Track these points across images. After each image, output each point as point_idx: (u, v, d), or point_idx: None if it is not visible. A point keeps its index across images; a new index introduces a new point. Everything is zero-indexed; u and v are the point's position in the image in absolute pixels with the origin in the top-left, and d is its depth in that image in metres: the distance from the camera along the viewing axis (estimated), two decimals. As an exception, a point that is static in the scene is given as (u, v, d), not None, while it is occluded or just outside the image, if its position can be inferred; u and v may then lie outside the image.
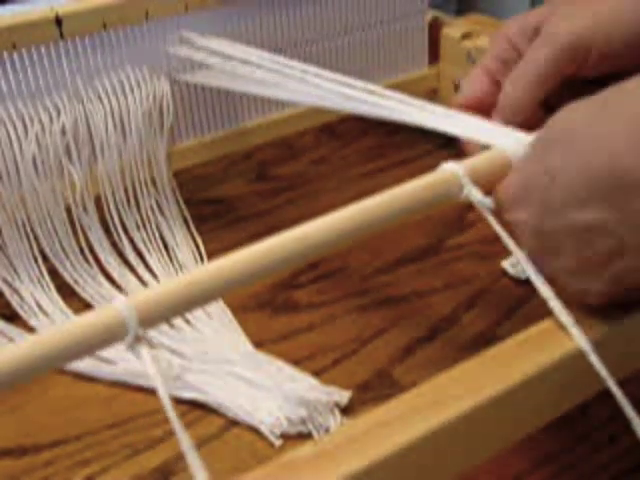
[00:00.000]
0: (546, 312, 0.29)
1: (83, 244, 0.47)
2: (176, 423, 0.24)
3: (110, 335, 0.25)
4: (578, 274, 0.29)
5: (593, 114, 0.27)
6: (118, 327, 0.25)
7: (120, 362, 0.41)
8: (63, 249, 0.47)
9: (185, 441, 0.24)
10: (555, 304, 0.29)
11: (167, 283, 0.27)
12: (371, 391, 0.39)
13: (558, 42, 0.35)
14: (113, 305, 0.25)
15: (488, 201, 0.30)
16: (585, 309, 0.30)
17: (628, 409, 0.29)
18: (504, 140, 0.32)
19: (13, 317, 0.44)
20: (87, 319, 0.25)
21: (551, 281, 0.29)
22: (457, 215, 0.52)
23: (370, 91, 0.38)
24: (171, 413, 0.24)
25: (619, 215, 0.26)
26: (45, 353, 0.24)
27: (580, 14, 0.35)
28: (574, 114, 0.28)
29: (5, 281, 0.45)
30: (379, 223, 0.30)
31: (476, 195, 0.29)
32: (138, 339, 0.25)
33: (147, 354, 0.25)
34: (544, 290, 0.29)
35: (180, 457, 0.36)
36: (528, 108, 0.36)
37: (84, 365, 0.41)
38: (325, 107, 0.40)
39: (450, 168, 0.30)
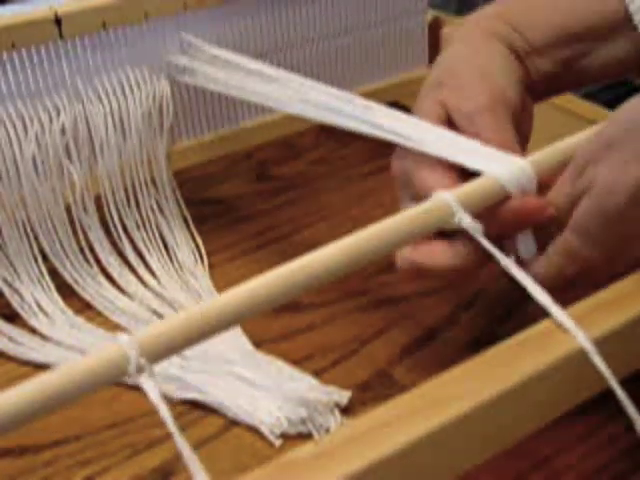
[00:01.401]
0: (546, 312, 0.29)
1: (83, 244, 0.47)
2: (185, 449, 0.24)
3: (115, 369, 0.26)
4: None
5: None
6: (121, 360, 0.26)
7: (120, 362, 0.41)
8: (63, 249, 0.47)
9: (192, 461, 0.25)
10: (555, 310, 0.29)
11: (168, 320, 0.28)
12: (371, 391, 0.39)
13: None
14: (117, 342, 0.27)
15: (478, 226, 0.31)
16: (584, 309, 0.30)
17: (630, 408, 0.29)
18: (497, 166, 0.33)
19: (13, 317, 0.44)
20: (93, 357, 0.26)
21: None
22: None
23: (364, 106, 0.39)
24: (179, 439, 0.25)
25: None
26: (51, 394, 0.26)
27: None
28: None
29: (5, 281, 0.45)
30: (375, 253, 0.31)
31: (467, 221, 0.31)
32: (140, 370, 0.26)
33: (151, 386, 0.26)
34: (541, 296, 0.29)
35: (180, 457, 0.36)
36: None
37: (84, 365, 0.41)
38: (317, 118, 0.41)
39: (442, 197, 0.31)
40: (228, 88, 0.47)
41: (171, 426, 0.26)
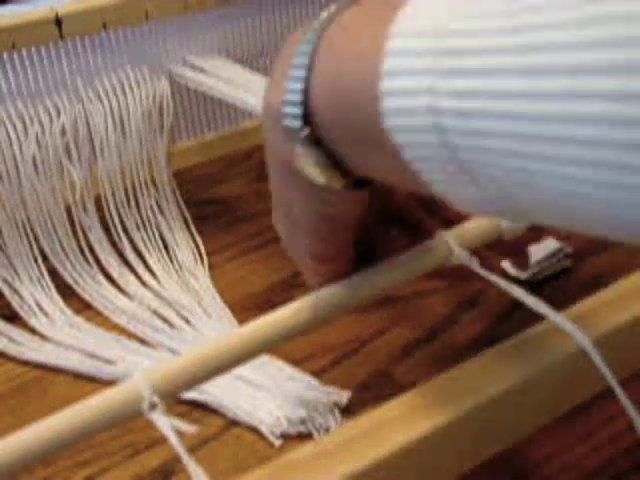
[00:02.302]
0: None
1: (83, 244, 0.47)
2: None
3: (128, 406, 0.27)
4: None
5: None
6: (135, 397, 0.27)
7: (121, 362, 0.41)
8: (63, 249, 0.47)
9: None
10: (554, 316, 0.29)
11: (181, 357, 0.29)
12: (371, 391, 0.39)
13: None
14: (130, 380, 0.28)
15: (475, 260, 0.33)
16: (584, 309, 0.30)
17: (630, 408, 0.29)
18: None
19: (13, 317, 0.44)
20: (106, 395, 0.28)
21: None
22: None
23: None
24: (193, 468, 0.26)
25: None
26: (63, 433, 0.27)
27: None
28: None
29: (5, 281, 0.45)
30: (374, 295, 0.33)
31: (464, 257, 0.33)
32: (153, 406, 0.27)
33: (165, 423, 0.27)
34: (537, 305, 0.30)
35: (180, 457, 0.36)
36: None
37: (84, 365, 0.41)
38: None
39: (440, 236, 0.34)
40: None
41: (186, 459, 0.26)
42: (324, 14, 0.27)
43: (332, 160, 0.28)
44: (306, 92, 0.27)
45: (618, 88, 0.18)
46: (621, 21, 0.18)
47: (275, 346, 0.31)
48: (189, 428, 0.28)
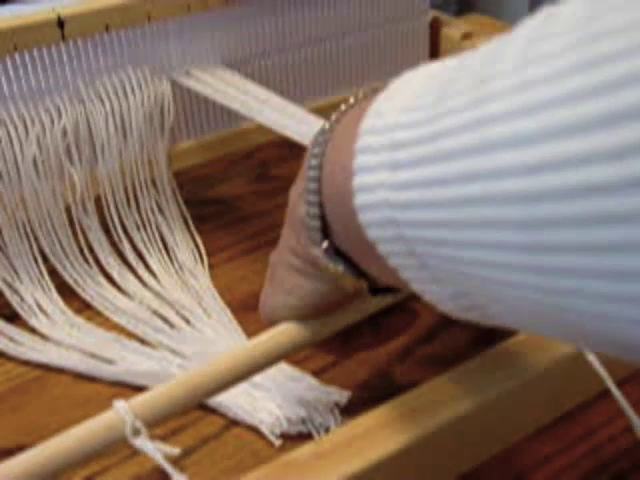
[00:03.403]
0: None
1: (83, 244, 0.47)
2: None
3: (111, 433, 0.28)
4: None
5: None
6: (117, 424, 0.28)
7: (120, 362, 0.41)
8: (63, 249, 0.47)
9: None
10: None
11: (162, 386, 0.30)
12: (371, 391, 0.39)
13: None
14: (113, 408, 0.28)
15: None
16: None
17: (627, 409, 0.29)
18: None
19: (13, 317, 0.44)
20: (89, 424, 0.28)
21: None
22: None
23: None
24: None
25: None
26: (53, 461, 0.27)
27: None
28: None
29: (5, 281, 0.45)
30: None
31: None
32: (136, 432, 0.28)
33: (150, 447, 0.28)
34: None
35: (179, 457, 0.36)
36: None
37: (84, 365, 0.41)
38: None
39: None
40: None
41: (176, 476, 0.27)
42: (333, 117, 0.28)
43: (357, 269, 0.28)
44: (322, 205, 0.27)
45: (528, 190, 0.18)
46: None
47: (260, 371, 0.31)
48: (173, 450, 0.28)
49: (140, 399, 0.29)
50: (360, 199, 0.24)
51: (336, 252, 0.28)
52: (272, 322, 0.33)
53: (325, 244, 0.28)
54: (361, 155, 0.24)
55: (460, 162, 0.20)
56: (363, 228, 0.24)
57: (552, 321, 0.20)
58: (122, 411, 0.28)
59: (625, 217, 0.16)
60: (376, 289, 0.30)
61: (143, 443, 0.28)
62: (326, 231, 0.28)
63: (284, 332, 0.31)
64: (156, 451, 0.28)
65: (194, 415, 0.38)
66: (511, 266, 0.19)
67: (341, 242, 0.28)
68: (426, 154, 0.21)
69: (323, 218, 0.28)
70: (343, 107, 0.29)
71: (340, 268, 0.28)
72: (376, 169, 0.23)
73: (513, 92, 0.18)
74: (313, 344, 0.33)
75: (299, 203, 0.29)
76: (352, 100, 0.29)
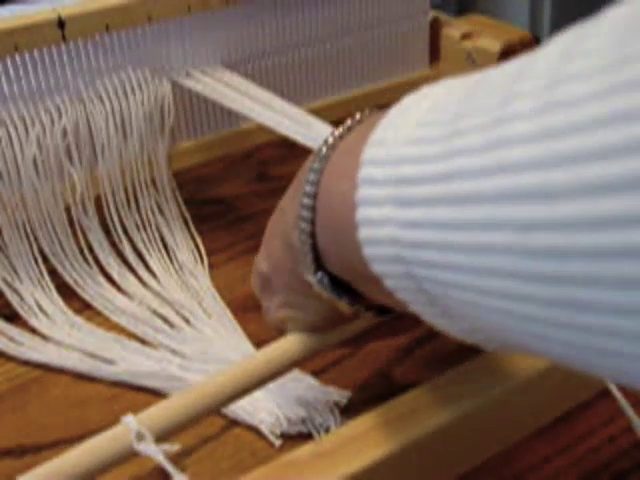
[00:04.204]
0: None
1: (83, 245, 0.47)
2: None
3: (117, 441, 0.28)
4: None
5: None
6: (122, 431, 0.28)
7: (121, 362, 0.41)
8: (63, 250, 0.47)
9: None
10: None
11: (167, 400, 0.30)
12: (371, 391, 0.39)
13: None
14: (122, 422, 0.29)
15: None
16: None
17: (627, 409, 0.29)
18: None
19: (13, 317, 0.44)
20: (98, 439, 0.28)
21: None
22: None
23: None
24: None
25: None
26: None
27: None
28: None
29: (5, 281, 0.45)
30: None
31: None
32: (140, 437, 0.28)
33: (154, 450, 0.28)
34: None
35: (180, 457, 0.36)
36: None
37: (84, 365, 0.41)
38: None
39: None
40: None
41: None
42: (329, 139, 0.27)
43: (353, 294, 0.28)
44: (313, 235, 0.27)
45: (557, 245, 0.16)
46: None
47: (262, 386, 0.31)
48: (172, 447, 0.29)
49: (147, 412, 0.29)
50: (364, 233, 0.23)
51: (332, 278, 0.28)
52: (280, 332, 0.33)
53: (319, 275, 0.27)
54: (364, 187, 0.23)
55: (477, 209, 0.18)
56: (367, 262, 0.23)
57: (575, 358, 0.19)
58: (127, 421, 0.28)
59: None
60: (382, 310, 0.29)
61: (146, 446, 0.28)
62: (319, 260, 0.27)
63: (293, 341, 0.31)
64: (158, 452, 0.28)
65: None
66: (533, 318, 0.18)
67: (338, 271, 0.27)
68: (438, 195, 0.20)
69: (315, 247, 0.27)
70: (339, 131, 0.27)
71: (335, 296, 0.28)
72: (381, 203, 0.22)
73: (534, 139, 0.17)
74: (323, 352, 0.33)
75: (293, 230, 0.28)
76: (349, 123, 0.27)
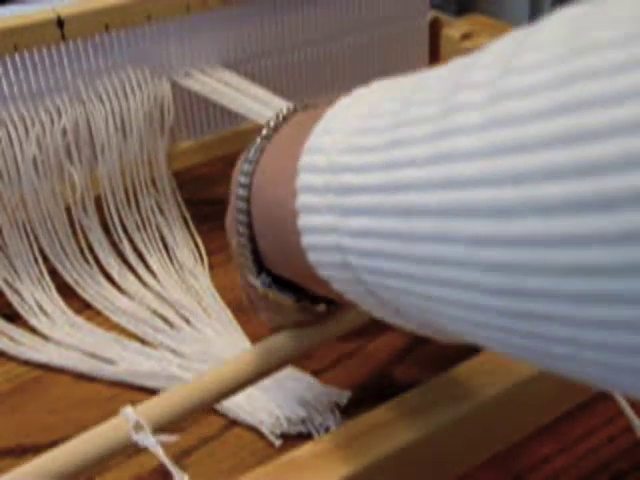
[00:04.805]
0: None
1: (83, 244, 0.47)
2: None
3: (115, 433, 0.29)
4: None
5: None
6: (120, 422, 0.29)
7: (121, 362, 0.41)
8: (63, 249, 0.47)
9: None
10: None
11: (168, 392, 0.31)
12: (371, 391, 0.39)
13: None
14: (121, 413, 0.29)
15: None
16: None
17: (627, 409, 0.29)
18: None
19: (13, 317, 0.44)
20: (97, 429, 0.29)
21: None
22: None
23: None
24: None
25: None
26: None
27: None
28: None
29: (5, 281, 0.45)
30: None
31: None
32: (139, 427, 0.28)
33: (152, 441, 0.28)
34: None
35: (180, 457, 0.36)
36: None
37: (84, 365, 0.41)
38: None
39: None
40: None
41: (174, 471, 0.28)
42: (258, 140, 0.27)
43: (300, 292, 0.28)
44: (252, 239, 0.27)
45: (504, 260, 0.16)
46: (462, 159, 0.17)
47: (257, 381, 0.31)
48: (170, 438, 0.29)
49: (146, 404, 0.29)
50: (308, 239, 0.22)
51: (277, 281, 0.27)
52: (273, 329, 0.33)
53: (262, 277, 0.27)
54: (304, 194, 0.22)
55: (424, 222, 0.18)
56: (313, 267, 0.23)
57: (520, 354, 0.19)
58: (126, 412, 0.28)
59: (615, 269, 0.14)
60: None
61: (144, 437, 0.28)
62: (260, 263, 0.27)
63: (289, 335, 0.31)
64: (155, 443, 0.28)
65: (194, 415, 0.38)
66: (489, 325, 0.18)
67: (282, 272, 0.27)
68: (382, 206, 0.19)
69: (255, 250, 0.27)
70: (265, 132, 0.26)
71: (281, 294, 0.28)
72: (323, 211, 0.21)
73: (480, 154, 0.16)
74: (318, 347, 0.33)
75: (233, 233, 0.28)
76: (272, 124, 0.26)
